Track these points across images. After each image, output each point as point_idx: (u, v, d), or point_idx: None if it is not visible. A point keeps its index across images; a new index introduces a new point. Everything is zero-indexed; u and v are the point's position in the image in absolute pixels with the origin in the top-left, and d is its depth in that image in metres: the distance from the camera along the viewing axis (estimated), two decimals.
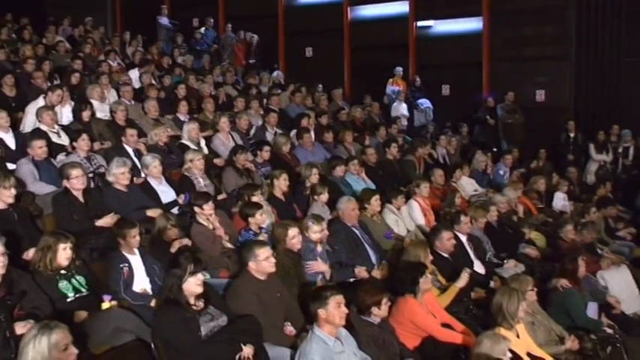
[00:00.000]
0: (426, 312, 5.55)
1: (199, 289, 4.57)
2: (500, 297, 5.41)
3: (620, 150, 13.02)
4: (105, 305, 4.88)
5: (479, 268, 7.25)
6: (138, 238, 5.52)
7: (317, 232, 6.19)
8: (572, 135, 13.43)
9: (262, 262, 5.09)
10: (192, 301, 4.57)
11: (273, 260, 5.16)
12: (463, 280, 6.21)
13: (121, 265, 5.37)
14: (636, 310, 7.70)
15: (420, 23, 15.85)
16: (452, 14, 15.43)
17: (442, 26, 15.62)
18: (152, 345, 4.55)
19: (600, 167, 12.95)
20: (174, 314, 4.43)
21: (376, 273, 6.63)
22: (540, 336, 5.84)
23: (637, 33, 13.66)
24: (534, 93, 14.43)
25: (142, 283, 5.42)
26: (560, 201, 10.67)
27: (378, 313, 5.01)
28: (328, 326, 4.45)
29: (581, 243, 8.13)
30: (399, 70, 15.45)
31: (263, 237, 6.14)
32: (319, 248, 6.21)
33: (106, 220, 6.02)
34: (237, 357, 4.42)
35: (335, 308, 4.43)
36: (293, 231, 5.82)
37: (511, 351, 4.92)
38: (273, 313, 4.96)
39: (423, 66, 15.78)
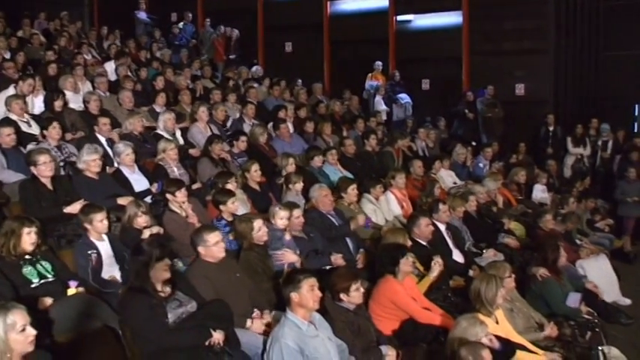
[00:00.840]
0: (407, 292, 5.46)
1: (166, 275, 4.43)
2: (479, 283, 5.33)
3: (600, 143, 12.99)
4: (71, 291, 4.70)
5: (458, 257, 7.19)
6: (105, 223, 5.35)
7: (284, 218, 6.05)
8: (551, 128, 13.39)
9: (212, 248, 4.97)
10: (159, 287, 4.43)
11: (222, 245, 5.04)
12: (435, 271, 6.13)
13: (89, 252, 5.20)
14: (615, 298, 7.73)
15: (399, 17, 15.75)
16: (431, 8, 15.34)
17: (422, 20, 15.54)
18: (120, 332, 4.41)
19: (577, 161, 12.94)
20: (140, 301, 4.28)
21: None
22: (519, 323, 5.78)
23: (615, 27, 13.74)
24: (514, 87, 14.39)
25: (111, 270, 5.27)
26: (540, 193, 10.65)
27: (347, 299, 4.88)
28: (302, 310, 4.32)
29: (561, 232, 8.08)
30: (379, 64, 15.33)
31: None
32: (287, 237, 6.06)
33: (75, 207, 5.81)
34: (207, 343, 4.27)
35: (308, 291, 4.30)
36: (257, 223, 5.66)
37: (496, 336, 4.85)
38: (232, 296, 4.80)
39: (402, 60, 15.68)
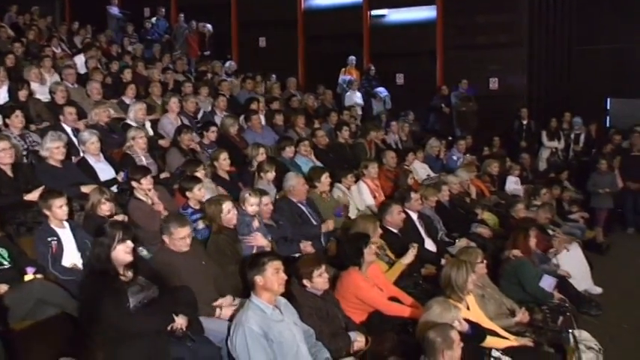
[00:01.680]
0: (371, 285, 5.35)
1: (128, 258, 4.28)
2: (449, 269, 5.24)
3: (572, 137, 13.04)
4: (27, 277, 4.54)
5: (430, 246, 7.13)
6: (65, 209, 5.19)
7: (254, 204, 5.94)
8: (524, 122, 13.44)
9: (176, 241, 4.85)
10: (121, 271, 4.28)
11: (188, 242, 4.90)
12: (409, 256, 6.06)
13: (49, 239, 5.04)
14: (587, 287, 7.72)
15: (373, 12, 15.75)
16: (405, 3, 15.38)
17: (396, 15, 15.55)
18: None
19: (552, 154, 12.98)
20: (101, 285, 4.13)
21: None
22: (490, 309, 5.72)
23: (587, 21, 13.78)
24: (488, 81, 14.41)
25: (72, 257, 5.09)
26: (512, 185, 10.65)
27: (310, 285, 4.77)
28: (266, 294, 4.21)
29: (533, 219, 8.06)
30: (352, 59, 15.28)
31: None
32: (256, 223, 5.93)
33: (34, 195, 5.62)
34: (169, 328, 4.14)
35: (273, 274, 4.20)
36: (227, 205, 5.54)
37: (466, 319, 4.78)
38: (197, 283, 4.66)
39: (377, 55, 15.65)
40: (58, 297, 4.47)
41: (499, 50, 14.32)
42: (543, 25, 14.17)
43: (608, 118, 13.97)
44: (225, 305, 4.84)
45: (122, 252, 4.25)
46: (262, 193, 6.23)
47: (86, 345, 4.15)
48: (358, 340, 4.78)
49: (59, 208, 5.14)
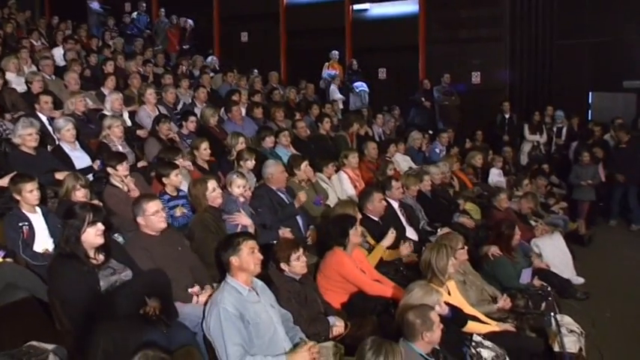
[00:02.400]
0: (355, 264, 5.28)
1: (99, 240, 4.14)
2: (429, 253, 5.17)
3: (554, 130, 13.04)
4: None
5: (412, 234, 7.05)
6: (36, 194, 5.06)
7: (241, 185, 5.90)
8: (507, 116, 13.42)
9: (150, 217, 4.68)
10: (91, 254, 4.14)
11: (163, 215, 4.77)
12: (389, 238, 6.00)
13: (20, 224, 4.92)
14: (569, 276, 7.66)
15: (355, 7, 15.67)
16: None
17: (378, 9, 15.48)
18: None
19: (534, 147, 12.95)
20: (70, 268, 4.00)
21: None
22: (472, 295, 5.65)
23: (569, 15, 13.80)
24: (470, 75, 14.39)
25: (44, 243, 4.97)
26: (496, 177, 10.62)
27: (288, 269, 4.68)
28: (242, 275, 4.11)
29: (516, 211, 8.03)
30: (335, 53, 15.21)
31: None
32: (242, 199, 5.91)
33: (5, 180, 5.49)
34: (141, 312, 4.01)
35: (248, 254, 4.09)
36: (212, 184, 5.49)
37: (447, 303, 4.71)
38: (173, 269, 4.51)
39: (359, 50, 15.59)
40: (28, 281, 4.36)
41: (481, 44, 14.30)
42: (525, 20, 14.17)
43: (590, 111, 13.96)
44: (204, 294, 4.71)
45: (92, 234, 4.11)
46: (240, 177, 6.13)
47: (55, 329, 4.03)
48: (337, 325, 4.69)
49: (29, 192, 5.01)
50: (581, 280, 7.79)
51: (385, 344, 3.56)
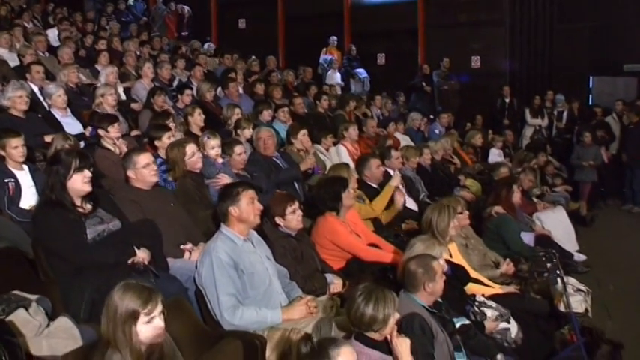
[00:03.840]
0: (349, 231, 5.10)
1: (87, 188, 3.93)
2: (430, 213, 4.98)
3: (555, 114, 12.89)
4: None
5: (411, 205, 6.89)
6: (22, 150, 4.88)
7: (214, 146, 5.70)
8: (507, 100, 13.30)
9: (142, 170, 4.50)
10: (78, 202, 3.94)
11: (154, 168, 4.58)
12: (396, 179, 6.00)
13: (6, 180, 4.74)
14: (571, 250, 7.49)
15: None
16: None
17: None
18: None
19: (535, 132, 12.81)
20: (56, 216, 3.80)
21: None
22: (474, 259, 5.49)
23: None
24: (470, 59, 14.23)
25: (30, 200, 4.77)
26: (495, 157, 10.46)
27: (284, 223, 4.51)
28: (240, 225, 3.93)
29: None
30: (334, 39, 15.04)
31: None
32: (220, 160, 5.70)
33: None
34: (129, 261, 3.84)
35: (248, 204, 3.92)
36: (191, 148, 5.19)
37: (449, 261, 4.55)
38: (165, 225, 4.31)
39: (358, 35, 15.43)
40: (13, 233, 4.19)
41: (481, 28, 14.15)
42: (525, 3, 14.02)
43: (590, 96, 13.81)
44: (195, 250, 4.54)
45: (79, 182, 3.90)
46: (235, 143, 5.96)
47: (40, 280, 3.85)
48: (335, 283, 4.53)
49: (14, 149, 4.83)
50: (583, 258, 7.62)
51: (376, 290, 3.35)
